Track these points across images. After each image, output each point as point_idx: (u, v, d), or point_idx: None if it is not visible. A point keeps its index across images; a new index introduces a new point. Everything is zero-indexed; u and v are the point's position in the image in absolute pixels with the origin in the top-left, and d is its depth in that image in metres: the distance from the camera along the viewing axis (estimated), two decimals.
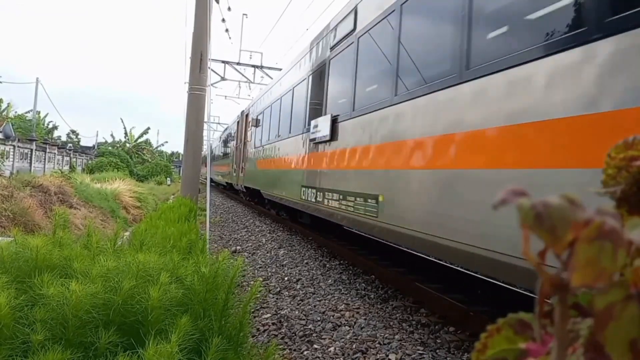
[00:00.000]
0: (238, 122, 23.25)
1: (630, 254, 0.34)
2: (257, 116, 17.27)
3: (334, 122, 8.31)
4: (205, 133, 12.62)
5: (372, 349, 4.92)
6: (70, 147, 42.17)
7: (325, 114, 8.86)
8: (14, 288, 2.32)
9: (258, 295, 6.58)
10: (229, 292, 2.84)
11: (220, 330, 2.65)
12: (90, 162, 42.57)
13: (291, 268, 8.76)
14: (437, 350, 5.01)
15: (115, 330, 2.23)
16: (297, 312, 6.11)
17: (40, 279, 2.35)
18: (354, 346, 4.97)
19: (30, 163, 29.18)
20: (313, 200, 9.28)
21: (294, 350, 4.96)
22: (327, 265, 9.04)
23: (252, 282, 7.64)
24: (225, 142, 29.12)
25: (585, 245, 0.33)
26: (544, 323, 0.38)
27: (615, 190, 0.45)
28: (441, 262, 8.54)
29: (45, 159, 32.22)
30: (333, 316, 5.95)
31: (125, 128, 52.71)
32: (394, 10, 6.35)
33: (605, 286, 0.33)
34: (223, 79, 27.79)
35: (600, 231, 0.33)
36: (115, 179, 23.37)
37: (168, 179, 41.80)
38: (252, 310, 6.23)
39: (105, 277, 2.52)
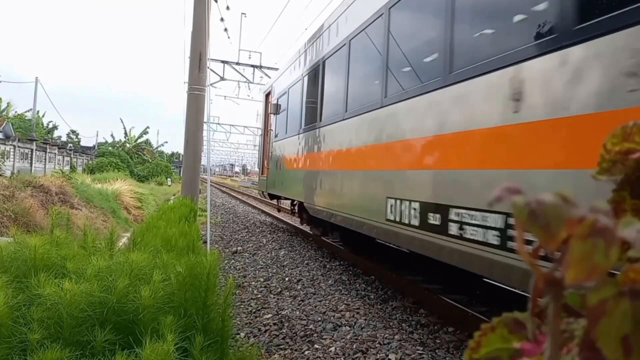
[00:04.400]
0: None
1: (622, 251, 0.34)
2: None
3: None
4: (205, 133, 12.63)
5: (372, 349, 4.92)
6: (70, 147, 42.13)
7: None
8: (12, 287, 2.32)
9: (254, 295, 6.58)
10: (207, 289, 2.82)
11: (204, 328, 2.65)
12: (90, 162, 42.52)
13: (292, 269, 8.76)
14: (437, 350, 5.01)
15: (111, 328, 2.24)
16: (298, 313, 6.11)
17: (37, 278, 2.35)
18: (354, 346, 4.97)
19: (31, 163, 29.16)
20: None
21: (295, 350, 4.96)
22: (328, 266, 9.04)
23: (253, 283, 7.65)
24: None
25: (578, 243, 0.33)
26: (538, 322, 0.38)
27: (616, 178, 0.44)
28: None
29: (45, 159, 32.19)
30: (333, 316, 5.95)
31: (125, 128, 52.59)
32: None
33: (598, 283, 0.33)
34: (222, 78, 27.76)
35: (594, 228, 0.33)
36: (116, 180, 23.35)
37: (168, 179, 41.78)
38: (254, 310, 6.22)
39: (99, 276, 2.52)
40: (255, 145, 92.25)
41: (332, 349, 4.93)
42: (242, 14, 28.32)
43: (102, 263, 2.60)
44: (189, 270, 2.77)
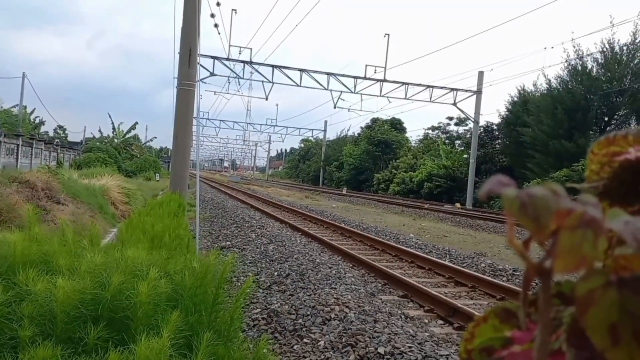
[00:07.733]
0: None
1: (610, 242, 0.35)
2: None
3: None
4: (194, 129, 12.59)
5: (361, 342, 4.94)
6: (57, 142, 41.71)
7: None
8: (2, 285, 2.30)
9: (248, 291, 6.57)
10: (219, 287, 2.84)
11: (211, 325, 2.65)
12: (77, 157, 42.15)
13: (281, 263, 8.76)
14: (425, 343, 5.04)
15: (104, 325, 2.22)
16: (287, 307, 6.12)
17: (25, 274, 2.33)
18: (343, 340, 4.99)
19: (17, 159, 28.83)
20: None
21: (284, 344, 4.97)
22: (317, 261, 9.05)
23: (242, 278, 7.64)
24: None
25: (567, 234, 0.33)
26: (528, 311, 0.39)
27: (597, 186, 0.46)
28: (430, 257, 8.55)
29: (32, 154, 31.84)
30: (323, 310, 5.97)
31: (113, 123, 52.09)
32: None
33: (587, 273, 0.34)
34: (212, 74, 27.65)
35: (582, 220, 0.34)
36: (104, 175, 23.14)
37: (157, 174, 41.56)
38: (242, 305, 6.22)
39: (93, 273, 2.50)
40: (245, 140, 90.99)
41: (322, 342, 4.95)
42: (233, 10, 28.23)
43: (97, 259, 2.59)
44: (204, 267, 2.78)
